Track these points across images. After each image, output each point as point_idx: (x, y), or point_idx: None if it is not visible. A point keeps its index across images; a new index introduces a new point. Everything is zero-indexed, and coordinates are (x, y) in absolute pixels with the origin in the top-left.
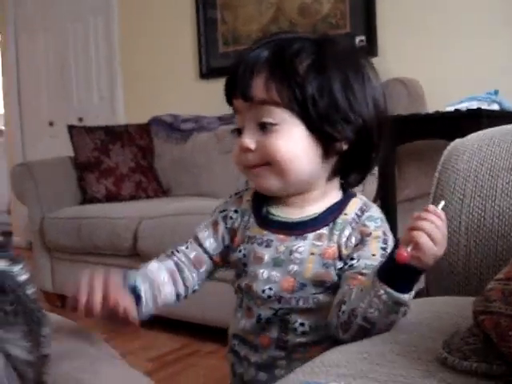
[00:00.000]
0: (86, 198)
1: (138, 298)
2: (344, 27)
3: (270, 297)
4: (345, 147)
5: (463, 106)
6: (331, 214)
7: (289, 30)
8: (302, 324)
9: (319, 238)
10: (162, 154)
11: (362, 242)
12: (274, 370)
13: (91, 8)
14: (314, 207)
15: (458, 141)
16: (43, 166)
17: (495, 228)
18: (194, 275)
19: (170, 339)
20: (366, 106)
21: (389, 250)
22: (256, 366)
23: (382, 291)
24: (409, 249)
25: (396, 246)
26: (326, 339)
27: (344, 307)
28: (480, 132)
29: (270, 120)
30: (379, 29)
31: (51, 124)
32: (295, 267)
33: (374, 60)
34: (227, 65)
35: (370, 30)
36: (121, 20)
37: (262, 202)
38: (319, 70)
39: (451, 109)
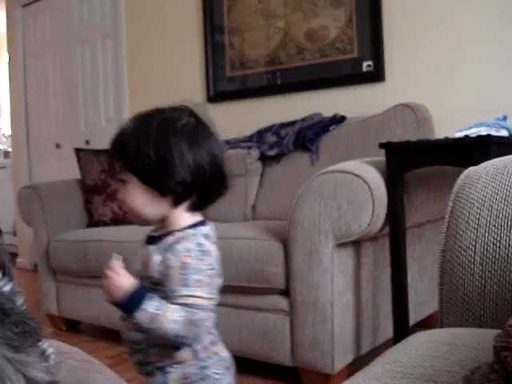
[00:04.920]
0: (93, 221)
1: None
2: (351, 52)
3: None
4: (180, 188)
5: (472, 132)
6: (166, 235)
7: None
8: None
9: (154, 250)
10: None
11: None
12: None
13: (100, 31)
14: (170, 227)
15: (471, 169)
16: (50, 188)
17: (511, 258)
18: None
19: None
20: (185, 164)
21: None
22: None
23: None
24: None
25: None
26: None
27: None
28: (493, 160)
29: (123, 177)
30: (386, 54)
31: (58, 146)
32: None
33: (382, 85)
34: (234, 89)
35: (378, 55)
36: (129, 43)
37: None
38: (140, 143)
39: (460, 135)
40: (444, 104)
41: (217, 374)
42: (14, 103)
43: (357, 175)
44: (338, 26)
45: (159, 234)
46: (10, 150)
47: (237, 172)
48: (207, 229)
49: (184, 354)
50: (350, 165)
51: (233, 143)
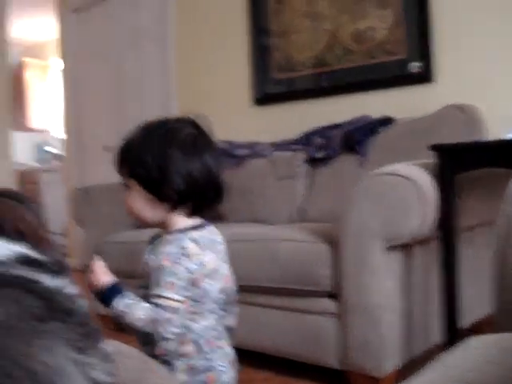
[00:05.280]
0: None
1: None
2: (399, 53)
3: None
4: (176, 195)
5: None
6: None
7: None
8: None
9: (149, 250)
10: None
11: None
12: None
13: (148, 36)
14: (167, 230)
15: None
16: (101, 190)
17: None
18: None
19: None
20: (180, 172)
21: None
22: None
23: None
24: None
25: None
26: None
27: None
28: None
29: (127, 183)
30: (435, 54)
31: (107, 149)
32: None
33: (430, 86)
34: (281, 91)
35: (426, 55)
36: (177, 47)
37: None
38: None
39: None
40: (495, 104)
41: (221, 366)
42: (66, 108)
43: (407, 177)
44: (385, 26)
45: (157, 235)
46: (62, 153)
47: (284, 174)
48: (198, 233)
49: (187, 348)
50: (400, 167)
51: (280, 146)
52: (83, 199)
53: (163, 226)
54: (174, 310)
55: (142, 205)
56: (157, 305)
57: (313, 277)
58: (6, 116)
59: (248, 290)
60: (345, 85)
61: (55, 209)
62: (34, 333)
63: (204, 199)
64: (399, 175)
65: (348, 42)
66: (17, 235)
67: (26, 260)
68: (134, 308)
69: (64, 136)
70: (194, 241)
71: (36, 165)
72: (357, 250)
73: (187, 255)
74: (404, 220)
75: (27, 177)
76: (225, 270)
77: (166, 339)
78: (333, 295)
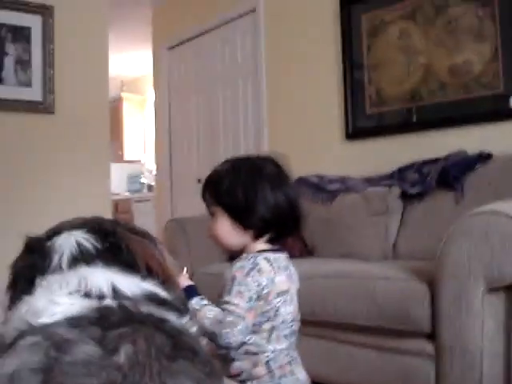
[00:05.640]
0: (235, 255)
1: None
2: (497, 87)
3: None
4: (261, 224)
5: None
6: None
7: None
8: None
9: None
10: (307, 215)
11: None
12: None
13: (241, 72)
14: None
15: None
16: (194, 222)
17: None
18: None
19: None
20: (267, 203)
21: None
22: None
23: None
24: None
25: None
26: None
27: None
28: None
29: (213, 212)
30: None
31: (199, 181)
32: None
33: None
34: (373, 126)
35: None
36: (268, 82)
37: None
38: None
39: None
40: None
41: None
42: (158, 140)
43: (511, 217)
44: (482, 60)
45: (236, 255)
46: (153, 183)
47: (377, 210)
48: (273, 255)
49: (260, 370)
50: (502, 205)
51: (372, 181)
52: (176, 230)
53: (244, 252)
54: (239, 316)
55: (228, 232)
56: (224, 309)
57: (409, 316)
58: (105, 149)
59: (341, 328)
60: (439, 119)
61: None
62: (166, 371)
63: (284, 228)
64: (502, 214)
65: (443, 76)
66: (147, 272)
67: (155, 298)
68: (205, 308)
69: (155, 167)
70: (268, 260)
71: (128, 194)
72: (456, 291)
73: (259, 270)
74: (508, 261)
75: (120, 206)
76: (295, 297)
77: (240, 358)
78: (430, 336)
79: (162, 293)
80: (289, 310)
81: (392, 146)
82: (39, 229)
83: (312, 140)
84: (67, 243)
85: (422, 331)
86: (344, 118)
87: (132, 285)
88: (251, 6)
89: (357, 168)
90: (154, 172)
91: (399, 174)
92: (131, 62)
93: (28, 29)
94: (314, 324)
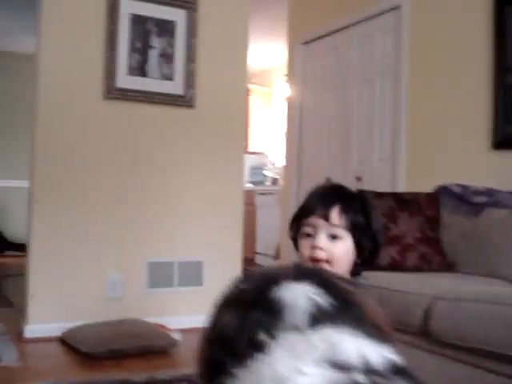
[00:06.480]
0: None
1: None
2: None
3: None
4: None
5: None
6: None
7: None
8: None
9: None
10: (449, 227)
11: None
12: None
13: (379, 70)
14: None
15: None
16: None
17: None
18: None
19: None
20: (379, 230)
21: None
22: None
23: None
24: None
25: None
26: None
27: None
28: None
29: (339, 234)
30: None
31: (328, 180)
32: None
33: None
34: None
35: None
36: (410, 83)
37: None
38: (363, 213)
39: None
40: None
41: None
42: (289, 135)
43: None
44: None
45: None
46: (277, 177)
47: None
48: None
49: None
50: None
51: None
52: None
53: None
54: None
55: (346, 256)
56: None
57: None
58: (240, 141)
59: (488, 356)
60: None
61: (269, 230)
62: None
63: (378, 252)
64: None
65: None
66: (373, 330)
67: (398, 369)
68: None
69: (283, 161)
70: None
71: (251, 186)
72: None
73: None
74: None
75: (245, 198)
76: None
77: None
78: None
79: (399, 360)
80: None
81: None
82: (177, 214)
83: (455, 147)
84: (299, 297)
85: None
86: (493, 125)
87: (377, 353)
88: (395, 2)
89: (507, 181)
90: (277, 165)
91: None
92: (260, 55)
93: (173, 22)
94: (461, 348)
